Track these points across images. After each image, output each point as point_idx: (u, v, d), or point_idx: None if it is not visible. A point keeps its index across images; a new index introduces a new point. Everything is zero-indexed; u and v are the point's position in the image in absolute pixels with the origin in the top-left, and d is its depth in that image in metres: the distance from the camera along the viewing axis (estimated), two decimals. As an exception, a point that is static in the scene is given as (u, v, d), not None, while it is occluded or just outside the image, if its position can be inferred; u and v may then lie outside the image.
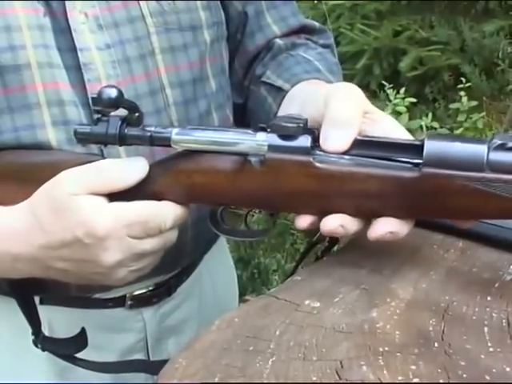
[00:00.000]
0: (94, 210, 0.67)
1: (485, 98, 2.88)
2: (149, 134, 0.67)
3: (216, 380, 0.50)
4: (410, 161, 0.62)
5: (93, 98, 0.66)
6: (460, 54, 2.96)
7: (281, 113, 0.81)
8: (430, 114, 2.84)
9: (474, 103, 2.82)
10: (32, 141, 0.75)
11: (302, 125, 0.64)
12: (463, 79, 2.81)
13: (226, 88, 0.91)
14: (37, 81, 0.75)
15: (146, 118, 0.78)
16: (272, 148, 0.64)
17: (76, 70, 0.76)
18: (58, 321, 0.85)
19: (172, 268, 0.89)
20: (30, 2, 0.75)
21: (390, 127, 0.67)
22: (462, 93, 2.79)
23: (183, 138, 0.66)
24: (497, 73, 2.89)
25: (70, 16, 0.76)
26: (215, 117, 0.87)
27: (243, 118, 0.94)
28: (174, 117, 0.82)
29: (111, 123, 0.67)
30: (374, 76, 3.07)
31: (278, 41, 0.91)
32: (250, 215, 0.75)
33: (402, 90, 2.86)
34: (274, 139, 0.64)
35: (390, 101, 2.84)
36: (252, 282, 2.43)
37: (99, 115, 0.67)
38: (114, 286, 0.77)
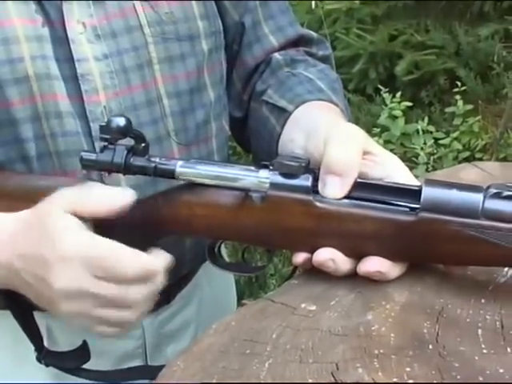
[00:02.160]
0: (64, 231, 0.66)
1: (480, 101, 2.89)
2: (153, 164, 0.68)
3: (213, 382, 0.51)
4: (408, 205, 0.64)
5: (101, 127, 0.67)
6: (455, 58, 2.96)
7: (285, 136, 0.81)
8: (426, 118, 2.84)
9: (470, 107, 2.83)
10: (34, 153, 0.76)
11: (304, 164, 0.65)
12: (459, 83, 2.82)
13: (224, 97, 0.91)
14: (36, 93, 0.75)
15: (143, 128, 0.79)
16: (274, 185, 0.65)
17: (73, 80, 0.77)
18: (58, 328, 0.85)
19: (171, 277, 0.89)
20: (28, 11, 0.75)
21: (391, 168, 0.67)
22: (458, 96, 2.80)
23: (187, 170, 0.67)
24: (492, 76, 2.89)
25: (67, 26, 0.76)
26: (213, 127, 0.88)
27: (242, 133, 0.95)
28: (171, 127, 0.82)
29: (117, 152, 0.68)
30: (370, 80, 3.08)
31: (277, 56, 0.91)
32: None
33: (398, 94, 2.86)
34: (276, 177, 0.65)
35: (386, 105, 2.85)
36: (249, 285, 2.43)
37: (105, 143, 0.68)
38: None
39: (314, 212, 0.64)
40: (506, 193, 0.61)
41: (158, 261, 0.68)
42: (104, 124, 0.66)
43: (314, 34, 0.97)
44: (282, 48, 0.92)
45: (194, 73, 0.84)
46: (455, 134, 2.78)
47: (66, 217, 0.67)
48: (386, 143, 2.75)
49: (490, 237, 0.61)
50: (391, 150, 0.71)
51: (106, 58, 0.78)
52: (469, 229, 0.61)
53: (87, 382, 0.84)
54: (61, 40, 0.76)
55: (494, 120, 2.85)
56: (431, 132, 2.82)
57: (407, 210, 0.63)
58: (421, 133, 2.77)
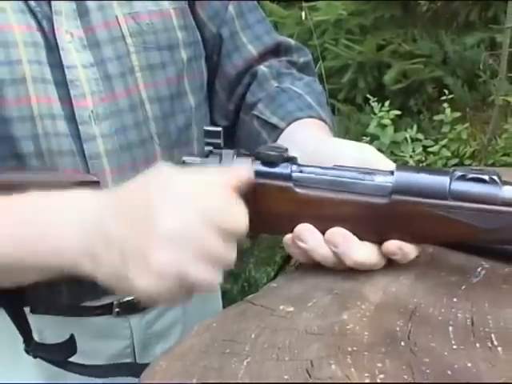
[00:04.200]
0: (175, 174, 0.65)
1: (468, 108, 2.93)
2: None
3: (194, 381, 0.53)
4: None
5: (206, 131, 0.70)
6: (442, 67, 3.01)
7: None
8: (415, 126, 2.88)
9: (458, 114, 2.87)
10: (27, 151, 0.79)
11: (283, 153, 0.69)
12: (446, 91, 2.86)
13: (205, 105, 0.95)
14: (31, 94, 0.79)
15: (127, 132, 0.83)
16: (256, 173, 0.69)
17: (64, 85, 0.81)
18: (48, 329, 0.87)
19: None
20: (25, 18, 0.79)
21: None
22: (446, 104, 2.84)
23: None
24: (479, 84, 2.94)
25: (57, 35, 0.81)
26: (195, 131, 0.91)
27: (229, 142, 0.97)
28: (154, 130, 0.86)
29: (225, 156, 0.71)
30: (359, 90, 3.12)
31: (263, 68, 0.94)
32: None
33: (387, 103, 2.90)
34: (258, 166, 0.69)
35: (375, 114, 2.88)
36: (242, 295, 2.45)
37: (211, 147, 0.71)
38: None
39: (294, 198, 0.68)
40: (471, 175, 0.65)
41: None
42: (209, 129, 0.70)
43: (292, 41, 1.00)
44: (262, 56, 0.95)
45: (174, 80, 0.88)
46: (444, 142, 2.82)
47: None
48: (376, 152, 2.78)
49: (459, 216, 0.65)
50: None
51: (92, 66, 0.82)
52: (438, 209, 0.65)
53: (80, 382, 0.86)
54: (52, 47, 0.81)
55: (481, 127, 2.89)
56: (420, 140, 2.86)
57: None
58: (409, 141, 2.80)
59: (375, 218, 0.67)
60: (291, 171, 0.69)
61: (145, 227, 0.62)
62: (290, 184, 0.68)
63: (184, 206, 0.62)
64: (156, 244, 0.62)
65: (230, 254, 0.64)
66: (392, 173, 0.67)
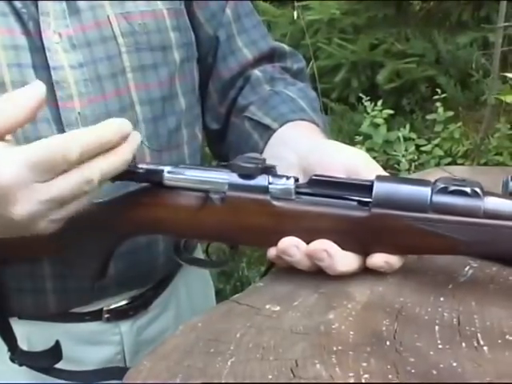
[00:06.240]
0: None
1: (461, 108, 2.94)
2: (142, 171, 0.68)
3: (178, 380, 0.53)
4: (361, 199, 0.67)
5: None
6: (435, 66, 3.01)
7: (268, 153, 0.83)
8: (408, 125, 2.89)
9: (451, 113, 2.87)
10: None
11: (260, 165, 0.67)
12: (439, 90, 2.86)
13: (196, 107, 0.94)
14: None
15: None
16: (232, 186, 0.67)
17: (50, 87, 0.79)
18: (37, 335, 0.87)
19: (146, 281, 0.91)
20: (6, 22, 0.78)
21: None
22: (438, 104, 2.84)
23: (175, 176, 0.68)
24: (471, 83, 2.94)
25: (44, 36, 0.79)
26: (184, 134, 0.90)
27: (220, 147, 0.97)
28: (143, 133, 0.84)
29: None
30: (352, 89, 3.12)
31: (257, 72, 0.93)
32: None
33: (380, 102, 2.91)
34: (234, 178, 0.68)
35: (368, 113, 2.89)
36: (235, 294, 2.45)
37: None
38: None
39: (271, 211, 0.67)
40: (452, 187, 0.64)
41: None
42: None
43: (287, 47, 1.00)
44: (257, 61, 0.95)
45: (166, 81, 0.87)
46: (436, 141, 2.83)
47: None
48: (369, 151, 2.79)
49: (439, 230, 0.64)
50: (374, 158, 0.74)
51: (81, 67, 0.81)
52: (419, 222, 0.64)
53: (65, 382, 0.85)
54: (38, 49, 0.79)
55: (474, 126, 2.90)
56: (413, 139, 2.86)
57: (360, 205, 0.66)
58: (402, 140, 2.81)
59: (356, 231, 0.66)
60: (268, 183, 0.67)
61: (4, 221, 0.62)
62: (267, 197, 0.67)
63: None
64: (28, 224, 0.62)
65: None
66: (372, 184, 0.66)
